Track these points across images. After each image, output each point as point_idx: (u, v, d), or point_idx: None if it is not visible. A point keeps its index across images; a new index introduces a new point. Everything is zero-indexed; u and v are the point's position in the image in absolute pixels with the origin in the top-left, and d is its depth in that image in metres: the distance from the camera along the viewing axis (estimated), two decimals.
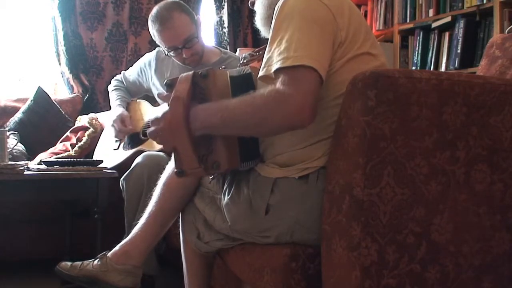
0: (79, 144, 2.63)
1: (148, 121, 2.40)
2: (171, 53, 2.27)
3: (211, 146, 1.25)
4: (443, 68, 3.03)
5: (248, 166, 1.30)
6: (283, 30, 1.15)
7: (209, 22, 3.73)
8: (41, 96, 2.96)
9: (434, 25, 3.07)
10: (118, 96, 2.53)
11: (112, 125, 2.39)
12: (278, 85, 1.10)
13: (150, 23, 2.25)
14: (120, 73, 2.66)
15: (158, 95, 1.39)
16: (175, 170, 1.28)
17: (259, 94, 1.15)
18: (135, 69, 2.56)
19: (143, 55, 2.61)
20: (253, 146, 1.32)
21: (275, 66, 1.12)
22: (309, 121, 1.09)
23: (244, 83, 1.30)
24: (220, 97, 1.23)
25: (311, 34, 1.14)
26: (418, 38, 3.21)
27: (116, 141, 2.48)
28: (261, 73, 1.18)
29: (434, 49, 3.11)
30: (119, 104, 2.47)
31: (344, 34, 1.19)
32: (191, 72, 1.27)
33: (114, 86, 2.59)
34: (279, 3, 1.20)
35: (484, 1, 2.80)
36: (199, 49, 2.28)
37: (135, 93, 2.60)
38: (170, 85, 1.33)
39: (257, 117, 1.13)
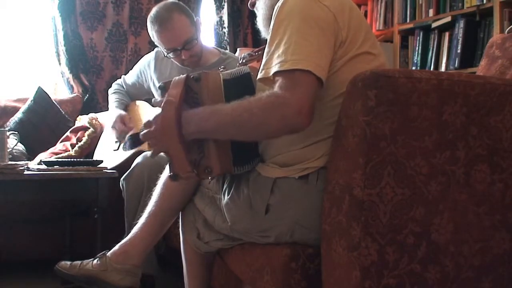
0: (79, 144, 2.63)
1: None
2: (170, 55, 2.26)
3: (203, 150, 1.25)
4: (443, 68, 3.03)
5: (244, 170, 1.29)
6: (282, 32, 1.15)
7: (209, 22, 3.73)
8: (41, 96, 2.96)
9: (434, 25, 3.07)
10: (116, 99, 2.53)
11: (113, 127, 2.39)
12: (276, 89, 1.11)
13: (149, 23, 2.24)
14: (121, 75, 2.66)
15: (153, 102, 1.38)
16: (169, 174, 1.28)
17: (256, 98, 1.15)
18: (135, 72, 2.56)
19: (143, 55, 2.61)
20: (249, 149, 1.30)
21: (273, 69, 1.13)
22: (307, 124, 1.09)
23: (239, 85, 1.29)
24: (212, 100, 1.23)
25: (310, 35, 1.13)
26: (418, 38, 3.21)
27: (116, 142, 2.48)
28: (260, 75, 1.18)
29: (434, 49, 3.11)
30: (116, 107, 2.47)
31: (345, 34, 1.19)
32: (184, 76, 1.26)
33: (114, 90, 2.59)
34: (278, 3, 1.20)
35: (484, 1, 2.80)
36: (198, 50, 2.28)
37: (136, 96, 2.59)
38: (163, 88, 1.32)
39: (254, 121, 1.13)
